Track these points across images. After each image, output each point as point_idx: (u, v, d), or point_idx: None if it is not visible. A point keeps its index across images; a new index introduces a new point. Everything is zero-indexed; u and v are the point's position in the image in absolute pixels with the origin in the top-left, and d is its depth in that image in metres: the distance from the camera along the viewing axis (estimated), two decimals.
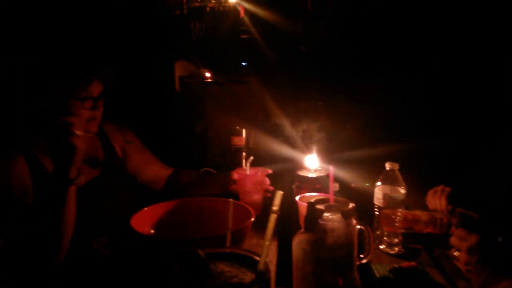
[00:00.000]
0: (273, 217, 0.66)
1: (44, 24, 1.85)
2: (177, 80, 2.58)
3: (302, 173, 1.44)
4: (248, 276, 0.67)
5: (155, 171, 1.63)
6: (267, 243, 0.65)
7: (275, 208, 0.66)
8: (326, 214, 0.90)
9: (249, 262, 0.71)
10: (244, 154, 1.72)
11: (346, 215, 0.94)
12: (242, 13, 2.42)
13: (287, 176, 1.80)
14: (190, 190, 1.57)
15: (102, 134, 1.53)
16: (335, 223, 0.87)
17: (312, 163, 1.47)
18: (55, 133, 1.15)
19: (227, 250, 0.75)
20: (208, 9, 2.53)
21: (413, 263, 1.08)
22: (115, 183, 1.48)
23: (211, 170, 1.91)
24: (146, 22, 2.43)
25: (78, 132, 1.14)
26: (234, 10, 2.46)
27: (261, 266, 0.65)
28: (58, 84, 1.29)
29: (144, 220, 1.16)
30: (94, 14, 2.21)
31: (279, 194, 0.66)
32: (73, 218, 1.17)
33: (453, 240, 1.03)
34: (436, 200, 1.43)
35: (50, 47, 1.44)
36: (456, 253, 1.02)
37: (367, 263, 1.09)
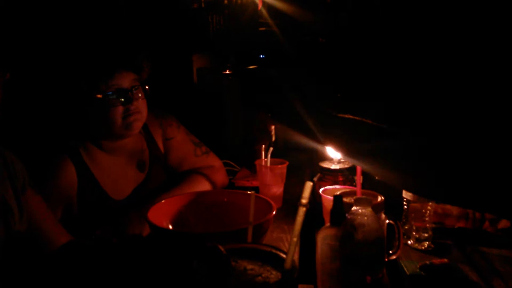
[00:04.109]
0: (301, 211, 0.60)
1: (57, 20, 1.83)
2: (195, 72, 2.54)
3: (324, 164, 1.38)
4: (273, 275, 0.62)
5: (189, 166, 1.53)
6: (294, 239, 0.59)
7: (304, 201, 0.60)
8: (354, 208, 0.85)
9: (274, 260, 0.66)
10: (263, 145, 1.67)
11: (376, 209, 0.88)
12: (260, 5, 2.37)
13: (307, 168, 1.75)
14: None
15: (145, 128, 1.45)
16: (365, 218, 0.82)
17: (334, 154, 1.41)
18: None
19: (250, 246, 0.70)
20: (225, 1, 2.49)
21: (445, 260, 1.02)
22: (160, 182, 1.44)
23: (231, 162, 1.87)
24: (163, 15, 2.41)
25: None
26: (251, 2, 2.41)
27: (288, 265, 0.60)
28: (82, 79, 1.24)
29: (161, 213, 1.12)
30: (110, 9, 2.19)
31: (309, 185, 0.61)
32: None
33: None
34: None
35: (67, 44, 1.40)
36: None
37: (395, 260, 1.03)
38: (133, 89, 1.27)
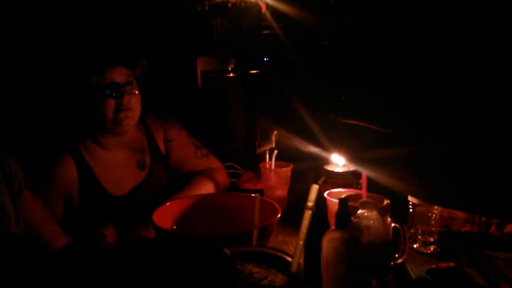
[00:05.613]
0: (307, 214, 0.60)
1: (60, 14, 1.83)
2: (199, 75, 2.55)
3: (329, 167, 1.38)
4: (279, 279, 0.61)
5: (190, 168, 1.55)
6: (301, 242, 0.59)
7: (310, 204, 0.60)
8: (360, 211, 0.84)
9: (279, 263, 0.65)
10: (267, 150, 1.68)
11: (382, 213, 0.88)
12: (264, 9, 2.37)
13: (311, 172, 1.74)
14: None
15: (146, 129, 1.47)
16: (371, 221, 0.81)
17: (339, 158, 1.41)
18: None
19: (255, 249, 0.70)
20: (229, 5, 2.49)
21: (451, 264, 1.01)
22: (161, 183, 1.45)
23: (235, 165, 1.87)
24: (168, 18, 2.41)
25: None
26: (255, 5, 2.41)
27: (294, 268, 0.59)
28: (75, 74, 1.26)
29: (167, 215, 1.12)
30: (114, 8, 2.19)
31: (315, 188, 0.60)
32: None
33: None
34: None
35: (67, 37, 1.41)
36: None
37: (401, 264, 1.02)
38: (126, 84, 1.29)
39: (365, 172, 1.04)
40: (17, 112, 1.54)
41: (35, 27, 1.71)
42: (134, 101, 1.31)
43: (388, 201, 1.03)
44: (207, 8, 2.50)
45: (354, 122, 1.23)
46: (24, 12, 1.76)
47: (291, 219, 1.35)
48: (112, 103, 1.26)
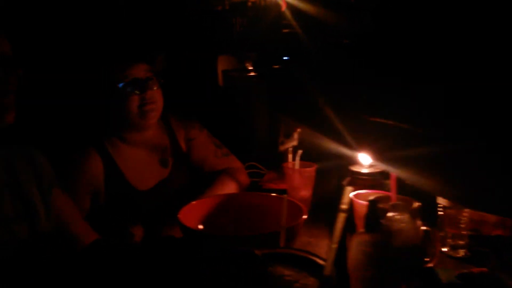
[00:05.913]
0: (341, 217, 0.59)
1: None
2: (220, 74, 2.55)
3: (355, 168, 1.35)
4: (311, 282, 0.60)
5: (210, 167, 1.56)
6: (334, 245, 0.58)
7: (344, 206, 0.59)
8: (390, 214, 0.82)
9: (310, 266, 0.64)
10: (291, 148, 1.66)
11: (412, 215, 0.86)
12: (283, 7, 2.35)
13: (335, 172, 1.72)
14: None
15: (168, 128, 1.51)
16: (402, 224, 0.79)
17: (365, 158, 1.38)
18: None
19: (285, 251, 0.69)
20: (249, 3, 2.49)
21: (484, 269, 0.98)
22: (183, 181, 1.47)
23: (257, 164, 1.86)
24: (188, 17, 2.42)
25: None
26: (275, 4, 2.40)
27: (327, 272, 0.58)
28: (99, 73, 1.33)
29: (192, 214, 1.12)
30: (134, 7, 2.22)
31: (348, 190, 0.59)
32: None
33: None
34: None
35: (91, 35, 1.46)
36: None
37: (430, 268, 1.00)
38: (148, 79, 1.34)
39: (394, 172, 1.02)
40: (45, 109, 1.58)
41: (65, 30, 1.75)
42: (157, 95, 1.36)
43: (419, 204, 1.01)
44: (227, 7, 2.51)
45: (383, 120, 1.21)
46: (50, 13, 1.80)
47: (316, 219, 1.34)
48: (136, 98, 1.31)
